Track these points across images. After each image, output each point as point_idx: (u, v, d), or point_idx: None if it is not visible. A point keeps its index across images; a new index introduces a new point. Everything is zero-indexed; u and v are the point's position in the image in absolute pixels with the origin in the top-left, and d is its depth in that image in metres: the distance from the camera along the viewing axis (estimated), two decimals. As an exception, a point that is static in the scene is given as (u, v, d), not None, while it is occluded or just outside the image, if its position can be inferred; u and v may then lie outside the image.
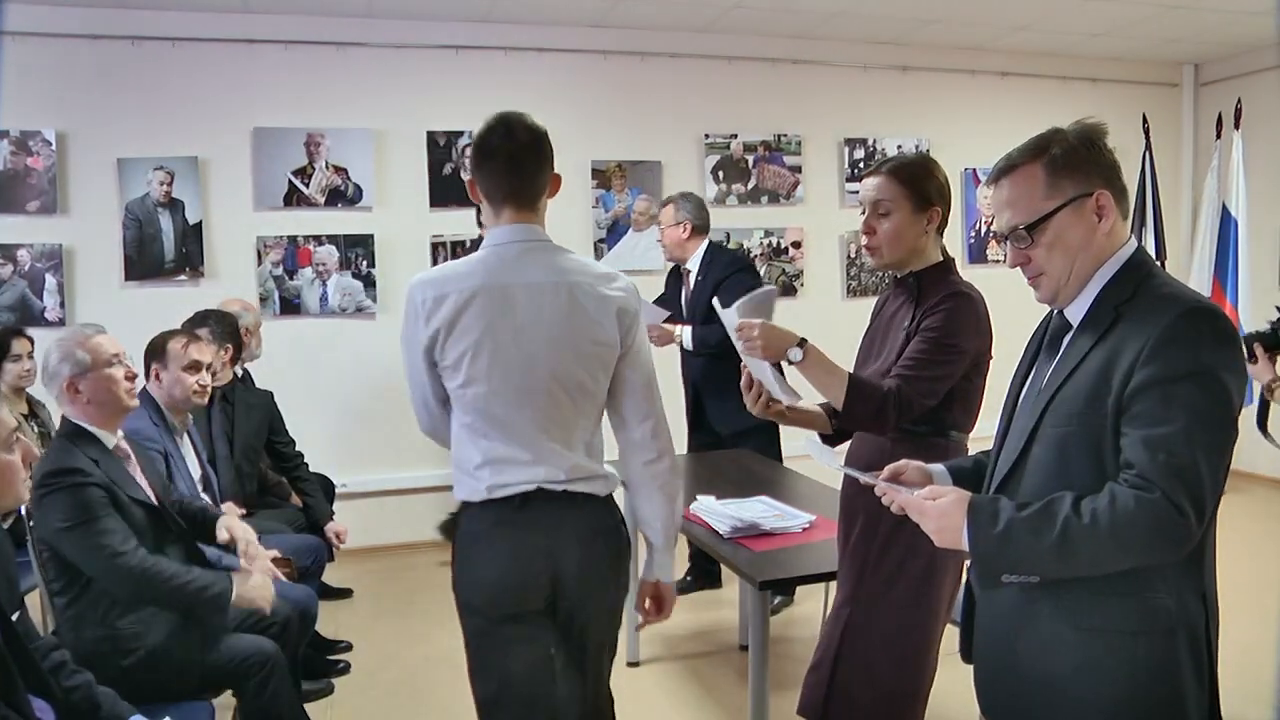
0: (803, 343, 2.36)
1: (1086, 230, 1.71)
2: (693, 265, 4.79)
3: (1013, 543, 1.62)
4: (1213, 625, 1.70)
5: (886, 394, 2.35)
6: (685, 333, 4.66)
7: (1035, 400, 1.78)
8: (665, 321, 4.64)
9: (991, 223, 6.96)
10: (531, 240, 2.30)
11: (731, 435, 4.67)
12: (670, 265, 5.04)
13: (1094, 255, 1.73)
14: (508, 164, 2.28)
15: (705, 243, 4.81)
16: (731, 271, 4.67)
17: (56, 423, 4.38)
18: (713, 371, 4.66)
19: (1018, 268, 1.80)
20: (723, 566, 5.02)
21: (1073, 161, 1.71)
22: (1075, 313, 1.77)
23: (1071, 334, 1.77)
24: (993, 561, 1.67)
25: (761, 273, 6.51)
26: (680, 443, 4.96)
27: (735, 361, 4.38)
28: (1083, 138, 1.73)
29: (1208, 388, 1.57)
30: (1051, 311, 1.87)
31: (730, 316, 2.52)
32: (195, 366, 3.53)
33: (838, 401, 2.38)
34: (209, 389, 3.64)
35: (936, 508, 1.70)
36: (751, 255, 6.51)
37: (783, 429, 4.65)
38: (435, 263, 5.46)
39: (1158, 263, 1.78)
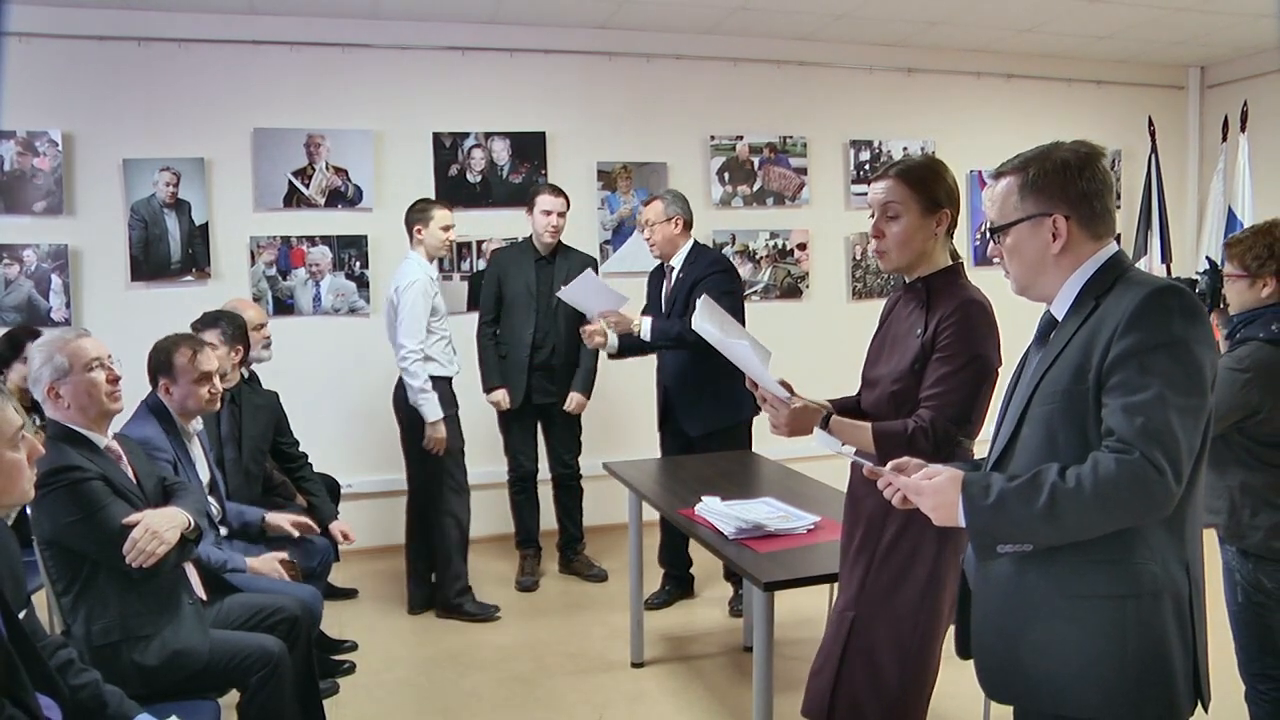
0: (826, 420, 2.52)
1: (1040, 246, 1.88)
2: (677, 262, 4.73)
3: (1005, 512, 1.73)
4: (1196, 595, 1.80)
5: (914, 431, 2.39)
6: (645, 324, 4.57)
7: (1027, 386, 1.90)
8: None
9: (996, 225, 6.96)
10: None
11: (701, 437, 4.65)
12: (653, 267, 4.98)
13: (1054, 275, 1.89)
14: None
15: (691, 240, 4.78)
16: (711, 271, 4.62)
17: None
18: (683, 373, 4.65)
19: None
20: (694, 574, 5.09)
21: (1043, 185, 1.87)
22: (1059, 309, 1.91)
23: (1057, 327, 1.90)
24: (987, 532, 1.76)
25: (766, 274, 6.55)
26: (652, 446, 4.99)
27: (706, 363, 4.47)
28: (1066, 163, 1.87)
29: (1179, 357, 1.69)
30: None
31: (709, 331, 2.63)
32: (205, 378, 3.46)
33: (870, 450, 2.45)
34: (219, 394, 3.58)
35: (932, 485, 1.82)
36: (757, 257, 6.52)
37: (755, 434, 4.71)
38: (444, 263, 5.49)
39: (1160, 265, 1.85)
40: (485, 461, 5.44)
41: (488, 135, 6.01)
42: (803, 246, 6.63)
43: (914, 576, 2.46)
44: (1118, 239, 1.95)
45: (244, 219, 5.70)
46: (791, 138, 6.57)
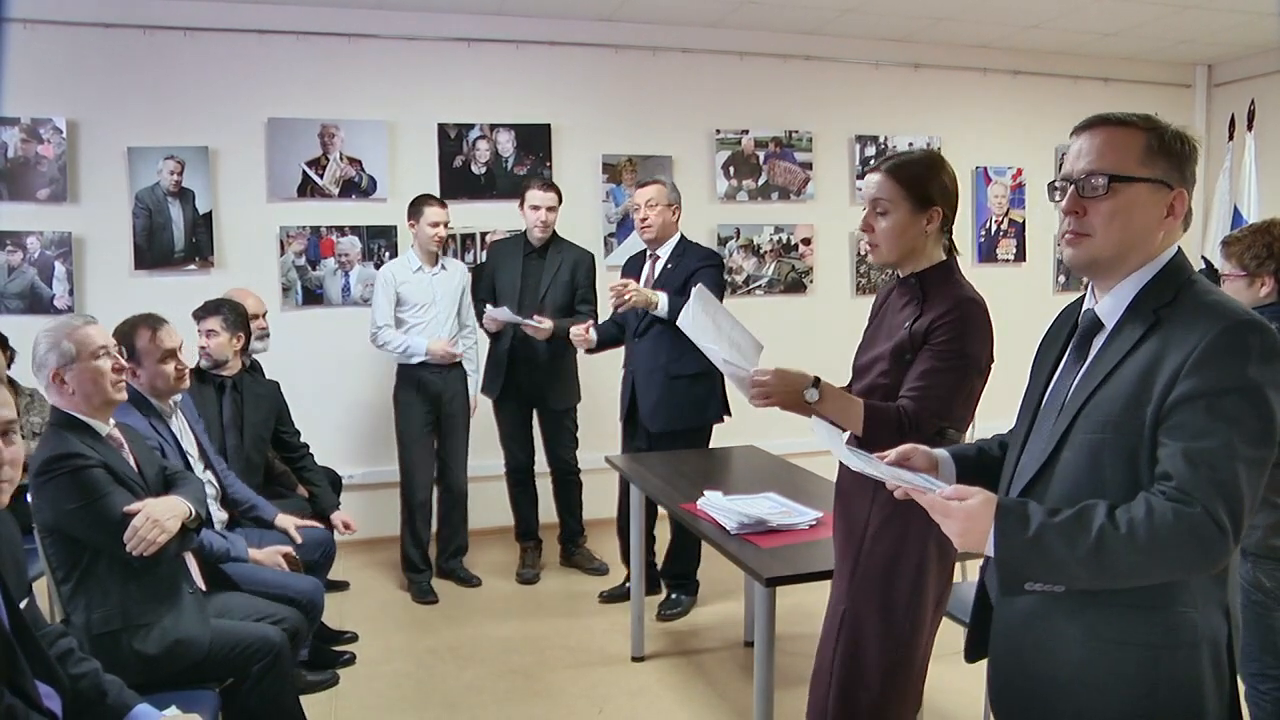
0: (817, 382, 2.40)
1: (1153, 220, 1.66)
2: (664, 252, 4.67)
3: (1042, 549, 1.55)
4: (1234, 638, 1.68)
5: (901, 415, 2.35)
6: (662, 300, 4.41)
7: (1066, 404, 1.71)
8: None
9: (1002, 221, 6.95)
10: None
11: (661, 435, 4.61)
12: (628, 256, 4.96)
13: (1143, 251, 1.68)
14: None
15: (680, 232, 4.72)
16: (707, 265, 4.56)
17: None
18: (655, 368, 4.58)
19: (1068, 217, 1.70)
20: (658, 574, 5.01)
21: (1175, 150, 1.66)
22: (1108, 311, 1.71)
23: (1105, 336, 1.71)
24: (1019, 568, 1.58)
25: (770, 269, 6.54)
26: (614, 443, 5.00)
27: (681, 360, 4.43)
28: (1186, 140, 1.68)
29: (1253, 403, 1.52)
30: (1073, 309, 1.84)
31: (695, 332, 2.58)
32: (169, 355, 3.44)
33: (857, 427, 2.39)
34: (187, 370, 3.54)
35: (963, 509, 1.61)
36: (761, 251, 6.51)
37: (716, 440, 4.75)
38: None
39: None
40: (484, 454, 5.44)
41: (493, 127, 5.99)
42: (807, 241, 6.62)
43: (902, 570, 2.44)
44: None
45: (256, 209, 5.68)
46: (797, 132, 6.55)
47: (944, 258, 2.51)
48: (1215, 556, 1.52)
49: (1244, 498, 1.50)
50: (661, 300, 4.40)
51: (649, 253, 4.74)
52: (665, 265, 4.65)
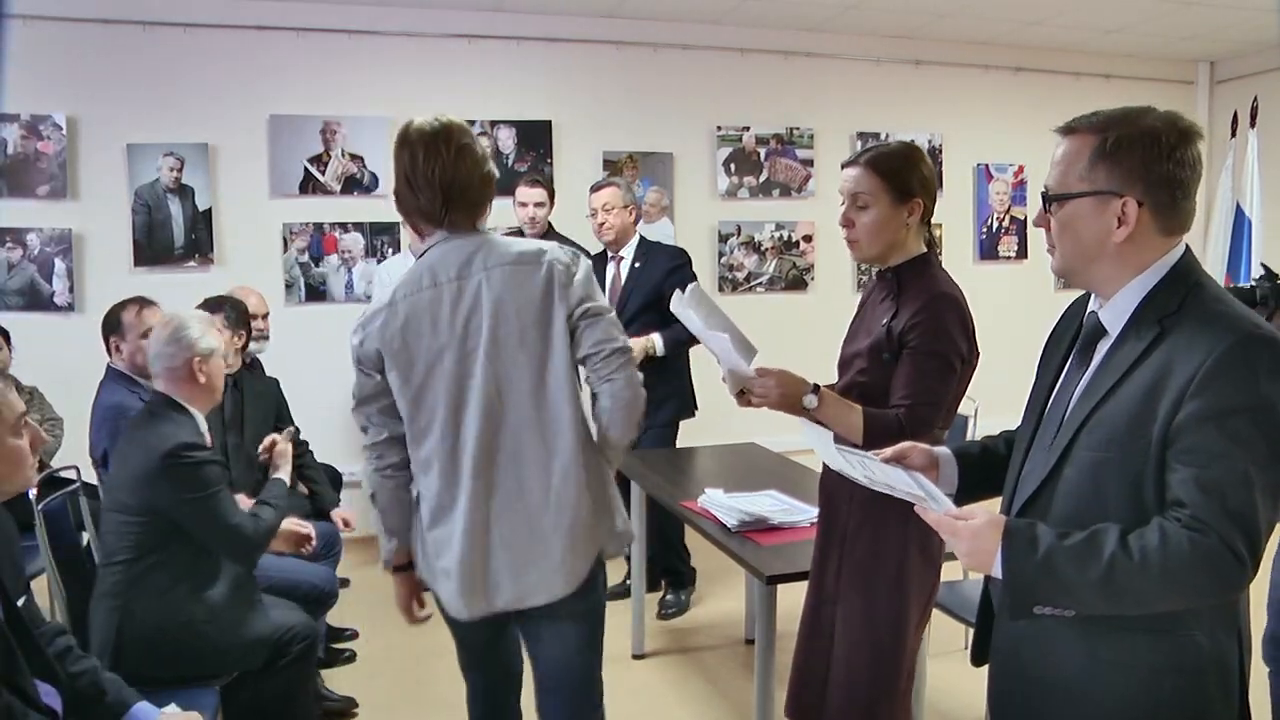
0: (816, 389, 2.38)
1: (1100, 231, 1.58)
2: (627, 253, 4.67)
3: (1053, 575, 1.49)
4: (1246, 661, 1.63)
5: (900, 422, 2.32)
6: (657, 341, 4.43)
7: (1069, 415, 1.65)
8: None
9: (1003, 219, 6.94)
10: None
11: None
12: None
13: (1118, 259, 1.60)
14: None
15: (638, 232, 4.73)
16: (679, 263, 4.59)
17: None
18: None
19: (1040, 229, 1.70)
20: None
21: (1121, 155, 1.56)
22: (1111, 318, 1.63)
23: (1109, 343, 1.64)
24: (1028, 592, 1.54)
25: (771, 266, 6.53)
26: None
27: (658, 360, 4.39)
28: (1155, 136, 1.56)
29: (1265, 424, 1.45)
30: (1079, 306, 1.79)
31: (692, 319, 2.54)
32: (149, 332, 3.52)
33: (857, 435, 2.35)
34: None
35: (969, 529, 1.55)
36: (763, 248, 6.51)
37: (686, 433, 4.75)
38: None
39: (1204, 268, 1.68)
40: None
41: (494, 124, 5.98)
42: (808, 239, 6.61)
43: (885, 567, 2.43)
44: None
45: (258, 206, 5.68)
46: (798, 129, 6.54)
47: (923, 250, 2.48)
48: (1232, 587, 1.47)
49: (1260, 526, 1.45)
50: (657, 342, 4.44)
51: (610, 255, 4.74)
52: (633, 265, 4.66)
